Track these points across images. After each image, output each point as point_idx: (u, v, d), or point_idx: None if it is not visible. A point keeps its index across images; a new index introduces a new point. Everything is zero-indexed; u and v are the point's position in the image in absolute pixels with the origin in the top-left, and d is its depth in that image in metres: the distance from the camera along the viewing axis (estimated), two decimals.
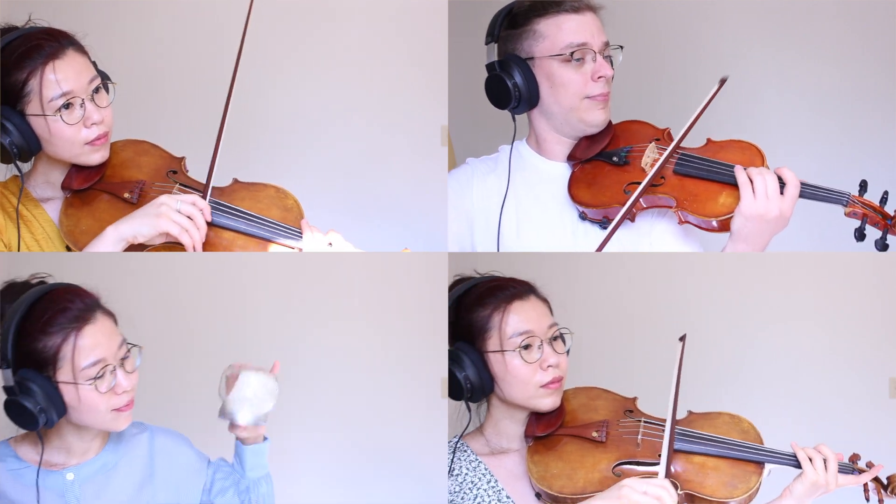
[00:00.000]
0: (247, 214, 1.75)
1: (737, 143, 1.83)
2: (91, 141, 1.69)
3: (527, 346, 1.66)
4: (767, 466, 1.65)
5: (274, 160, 2.47)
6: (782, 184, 1.74)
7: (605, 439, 1.67)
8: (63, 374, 1.52)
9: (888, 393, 2.45)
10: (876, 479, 1.67)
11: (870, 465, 1.68)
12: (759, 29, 2.54)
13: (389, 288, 2.47)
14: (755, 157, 1.80)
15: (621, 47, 1.87)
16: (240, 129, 2.43)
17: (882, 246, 1.75)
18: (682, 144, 1.84)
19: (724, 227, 1.78)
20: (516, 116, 1.90)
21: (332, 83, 2.50)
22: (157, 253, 1.71)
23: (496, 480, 1.69)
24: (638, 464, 1.64)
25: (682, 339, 1.69)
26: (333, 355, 2.46)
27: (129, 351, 1.59)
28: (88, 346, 1.53)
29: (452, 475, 1.69)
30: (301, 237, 1.75)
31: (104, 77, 1.72)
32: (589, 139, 1.89)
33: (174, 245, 1.70)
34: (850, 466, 1.67)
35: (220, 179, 1.78)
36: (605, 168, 1.87)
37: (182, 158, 1.82)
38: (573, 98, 1.84)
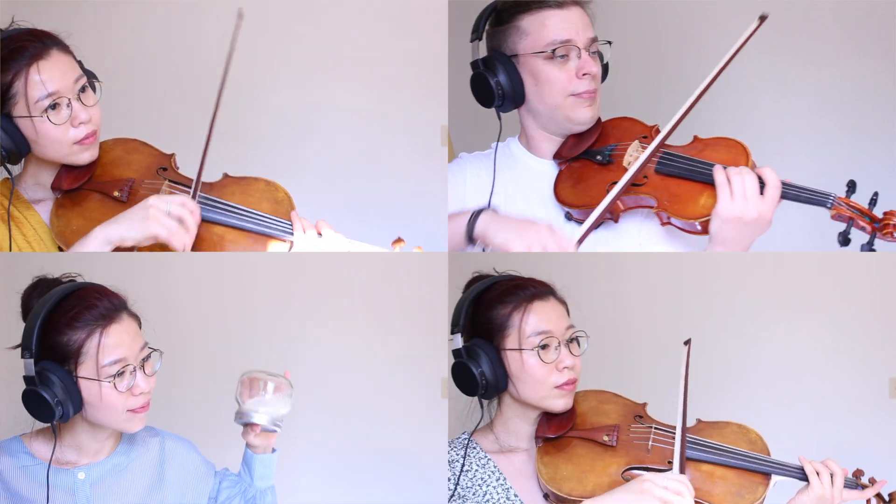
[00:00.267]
0: (236, 209, 1.75)
1: (723, 140, 1.78)
2: (79, 140, 1.69)
3: (544, 346, 1.66)
4: (774, 478, 1.65)
5: (273, 160, 2.47)
6: (763, 184, 1.69)
7: (616, 444, 1.67)
8: (84, 370, 1.53)
9: (889, 393, 2.44)
10: (878, 496, 1.67)
11: (872, 482, 1.68)
12: (760, 30, 2.53)
13: (389, 288, 2.47)
14: (740, 155, 1.74)
15: (609, 43, 1.84)
16: (239, 129, 2.44)
17: (869, 251, 1.68)
18: (669, 142, 1.80)
19: (707, 229, 1.73)
20: (503, 114, 1.88)
21: (332, 83, 2.50)
22: (156, 253, 1.71)
23: (504, 478, 1.68)
24: (647, 469, 1.64)
25: (688, 342, 1.69)
26: (333, 355, 2.46)
27: (150, 354, 1.60)
28: (112, 344, 1.55)
29: (462, 469, 1.69)
30: (291, 229, 1.74)
31: (90, 76, 1.72)
32: (576, 137, 1.87)
33: (165, 247, 1.69)
34: (854, 482, 1.67)
35: (211, 175, 1.77)
36: (590, 167, 1.84)
37: (172, 155, 1.81)
38: (558, 96, 1.81)
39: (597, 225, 1.77)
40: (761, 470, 1.65)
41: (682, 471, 1.60)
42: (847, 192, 1.70)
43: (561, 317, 1.69)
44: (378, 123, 2.49)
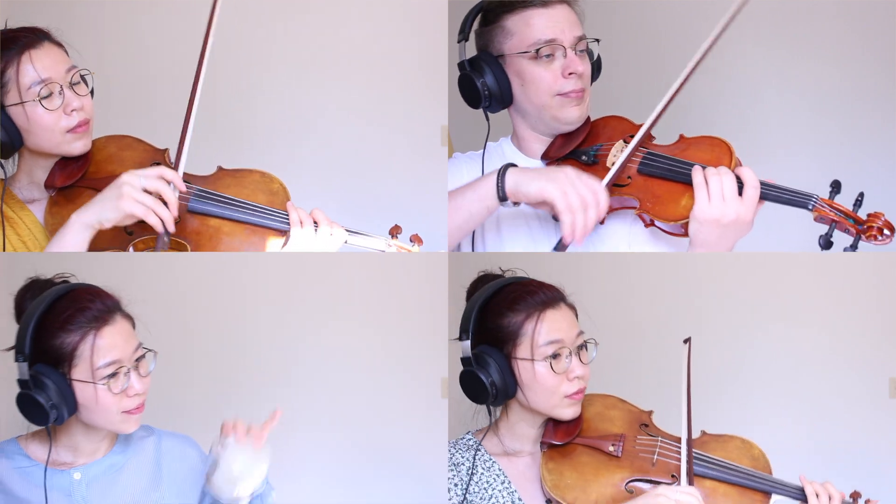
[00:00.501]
0: (232, 200, 1.74)
1: (707, 139, 1.74)
2: (72, 128, 1.69)
3: (555, 356, 1.63)
4: (774, 497, 1.65)
5: (273, 160, 2.46)
6: (742, 185, 1.66)
7: (621, 454, 1.66)
8: (78, 372, 1.53)
9: (888, 393, 2.44)
10: None
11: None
12: (760, 29, 2.54)
13: (389, 288, 2.47)
14: (723, 154, 1.71)
15: (597, 40, 1.83)
16: (237, 129, 2.45)
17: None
18: (655, 142, 1.78)
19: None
20: (498, 114, 1.87)
21: (332, 83, 2.50)
22: (156, 253, 1.70)
23: (509, 482, 1.68)
24: (650, 482, 1.63)
25: (687, 341, 1.68)
26: (333, 355, 2.46)
27: (144, 355, 1.60)
28: (106, 346, 1.54)
29: (467, 472, 1.68)
30: (287, 220, 1.73)
31: (82, 70, 1.72)
32: (564, 137, 1.85)
33: (174, 245, 1.69)
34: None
35: (205, 168, 1.77)
36: (577, 167, 1.80)
37: (165, 150, 1.81)
38: (544, 96, 1.80)
39: (608, 187, 1.74)
40: (762, 489, 1.65)
41: (690, 476, 1.59)
42: (831, 193, 1.66)
43: (571, 325, 1.67)
44: (378, 123, 2.49)
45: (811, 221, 1.67)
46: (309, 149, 2.50)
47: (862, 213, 1.64)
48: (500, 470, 1.68)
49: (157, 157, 1.79)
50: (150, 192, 1.64)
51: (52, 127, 1.68)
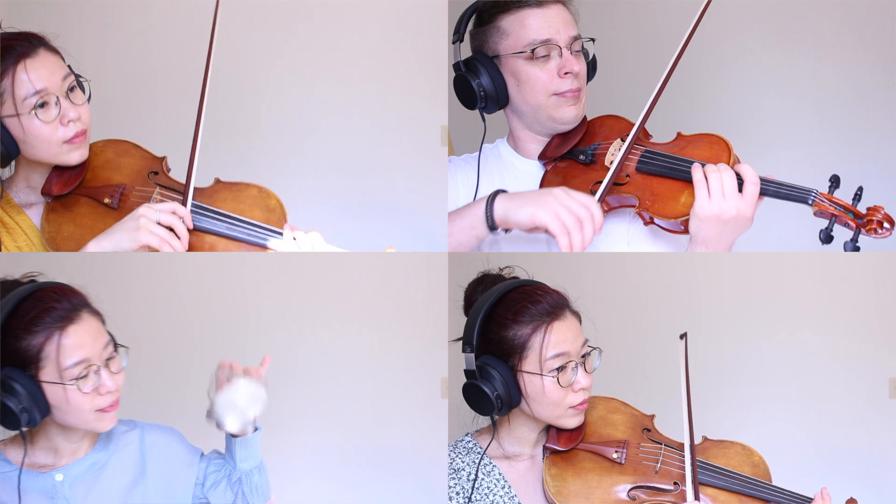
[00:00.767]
0: (228, 217, 1.73)
1: (706, 136, 1.74)
2: (69, 139, 1.68)
3: (561, 368, 1.61)
4: None
5: (273, 160, 2.48)
6: (742, 181, 1.65)
7: (624, 461, 1.65)
8: (46, 374, 1.51)
9: (888, 393, 2.44)
10: None
11: None
12: (759, 29, 2.54)
13: (389, 288, 2.47)
14: (722, 151, 1.70)
15: (593, 40, 1.82)
16: (238, 129, 2.45)
17: (853, 249, 1.62)
18: (653, 140, 1.78)
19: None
20: (495, 115, 1.86)
21: (333, 83, 2.50)
22: (156, 253, 1.70)
23: (510, 486, 1.66)
24: (654, 489, 1.63)
25: (683, 336, 1.67)
26: (333, 355, 2.46)
27: (115, 351, 1.57)
28: (72, 345, 1.51)
29: (468, 478, 1.66)
30: (282, 238, 1.73)
31: (78, 77, 1.70)
32: (561, 137, 1.85)
33: None
34: None
35: (203, 179, 1.76)
36: (575, 167, 1.81)
37: (163, 158, 1.80)
38: (540, 96, 1.79)
39: (601, 201, 1.73)
40: (763, 497, 1.65)
41: (695, 489, 1.59)
42: (830, 187, 1.65)
43: (577, 335, 1.65)
44: (378, 123, 2.49)
45: (811, 217, 1.67)
46: (309, 149, 2.50)
47: (861, 207, 1.64)
48: (500, 474, 1.67)
49: (155, 166, 1.78)
50: (163, 226, 1.67)
51: (49, 138, 1.67)
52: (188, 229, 1.70)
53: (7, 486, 1.57)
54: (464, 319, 1.68)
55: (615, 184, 1.75)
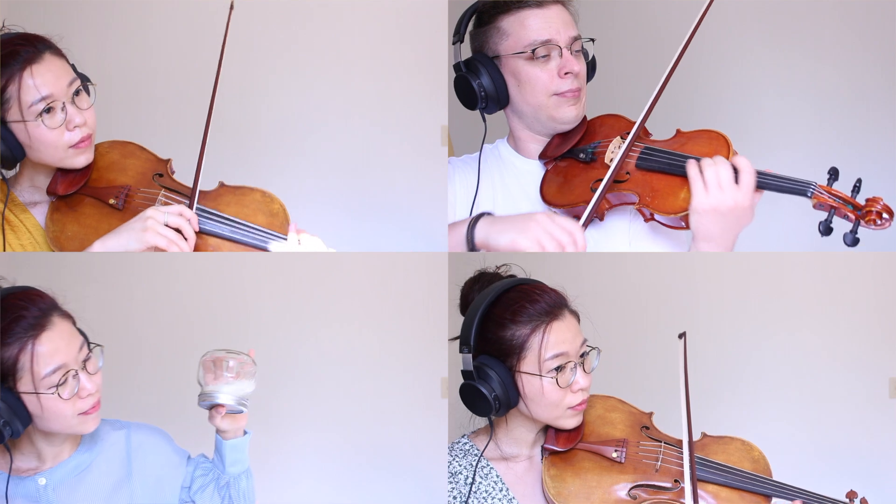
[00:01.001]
0: (232, 221, 1.74)
1: (705, 133, 1.74)
2: (74, 144, 1.68)
3: (559, 368, 1.60)
4: (775, 500, 1.64)
5: (274, 161, 2.48)
6: (738, 173, 1.65)
7: (624, 460, 1.64)
8: (24, 385, 1.48)
9: (888, 393, 2.45)
10: None
11: (864, 503, 1.67)
12: (759, 29, 2.54)
13: (389, 288, 2.47)
14: (721, 146, 1.70)
15: (592, 40, 1.83)
16: (239, 130, 2.45)
17: (852, 241, 1.60)
18: (652, 137, 1.79)
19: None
20: (494, 115, 1.87)
21: (333, 84, 2.50)
22: (156, 253, 1.70)
23: (507, 489, 1.65)
24: (654, 488, 1.62)
25: (682, 336, 1.67)
26: (334, 355, 2.46)
27: (90, 352, 1.55)
28: (47, 353, 1.48)
29: (465, 482, 1.65)
30: (285, 241, 1.73)
31: (84, 79, 1.71)
32: (561, 136, 1.85)
33: None
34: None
35: (207, 182, 1.77)
36: (575, 166, 1.82)
37: (168, 160, 1.80)
38: (541, 96, 1.80)
39: (585, 225, 1.75)
40: (764, 492, 1.64)
41: (694, 492, 1.58)
42: (829, 180, 1.66)
43: (576, 335, 1.64)
44: (378, 124, 2.50)
45: (810, 213, 1.67)
46: (309, 149, 2.50)
47: (860, 199, 1.64)
48: (497, 476, 1.66)
49: (160, 168, 1.79)
50: (171, 227, 1.68)
51: (55, 143, 1.67)
52: (195, 231, 1.70)
53: None
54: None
55: (615, 181, 1.76)
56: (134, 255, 1.71)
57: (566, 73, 1.78)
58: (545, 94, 1.80)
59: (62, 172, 1.73)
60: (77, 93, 1.68)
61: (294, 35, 2.49)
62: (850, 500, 1.65)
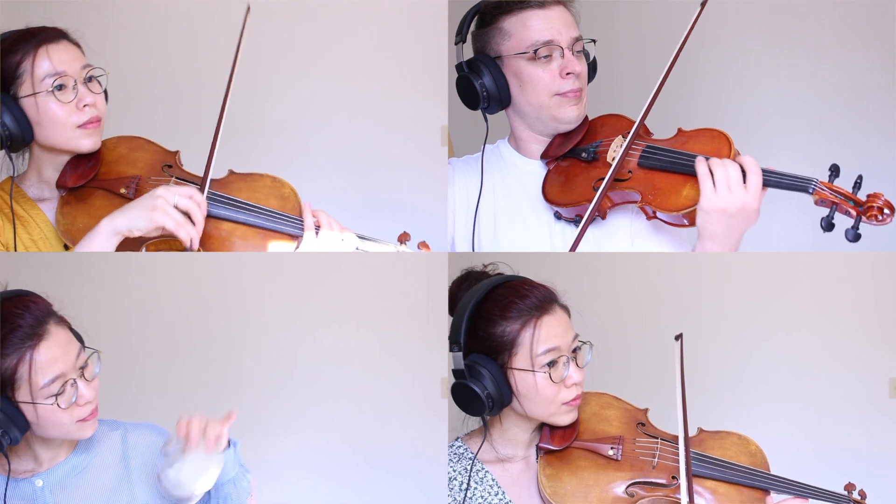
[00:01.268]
0: (245, 204, 1.74)
1: (706, 131, 1.75)
2: (83, 124, 1.69)
3: (552, 363, 1.59)
4: (773, 494, 1.64)
5: (274, 160, 2.47)
6: (745, 173, 1.65)
7: (621, 457, 1.63)
8: (22, 394, 1.47)
9: (888, 393, 2.45)
10: None
11: (862, 495, 1.67)
12: (759, 29, 2.54)
13: (389, 288, 2.47)
14: (723, 145, 1.71)
15: (594, 41, 1.83)
16: (240, 130, 2.44)
17: (854, 236, 1.61)
18: (654, 136, 1.79)
19: (694, 221, 1.70)
20: (494, 116, 1.87)
21: (333, 83, 2.50)
22: (156, 253, 1.70)
23: (504, 493, 1.64)
24: (652, 485, 1.61)
25: (679, 337, 1.66)
26: (333, 355, 2.46)
27: (87, 359, 1.54)
28: (45, 362, 1.48)
29: (460, 488, 1.64)
30: (300, 225, 1.73)
31: (97, 70, 1.72)
32: (563, 136, 1.86)
33: (172, 239, 1.68)
34: (847, 497, 1.66)
35: (216, 171, 1.77)
36: (577, 165, 1.82)
37: (176, 152, 1.81)
38: (542, 96, 1.80)
39: (587, 224, 1.74)
40: (762, 487, 1.64)
41: (689, 485, 1.57)
42: (830, 176, 1.66)
43: (567, 329, 1.63)
44: (379, 123, 2.50)
45: (810, 211, 1.68)
46: (311, 148, 2.50)
47: (861, 195, 1.64)
48: (493, 480, 1.65)
49: (169, 159, 1.79)
50: (180, 210, 1.66)
51: (63, 121, 1.67)
52: (204, 216, 1.69)
53: None
54: None
55: (617, 180, 1.76)
56: (133, 255, 1.71)
57: (568, 74, 1.79)
58: (547, 94, 1.80)
59: (72, 165, 1.74)
60: (90, 79, 1.70)
61: (294, 35, 2.49)
62: (848, 493, 1.65)
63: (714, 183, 1.65)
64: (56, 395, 1.48)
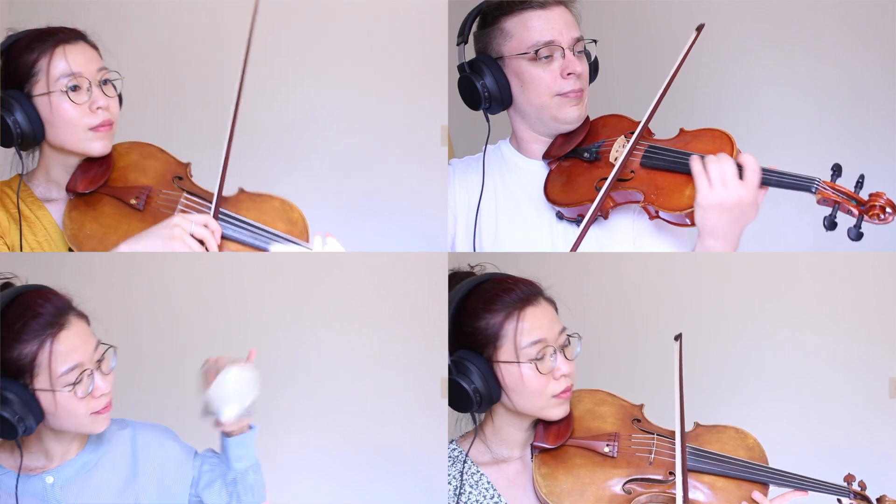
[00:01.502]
0: (253, 226, 1.74)
1: (708, 131, 1.76)
2: (94, 126, 1.69)
3: (540, 356, 1.59)
4: (772, 487, 1.64)
5: (274, 160, 2.48)
6: (742, 170, 1.66)
7: (617, 454, 1.63)
8: (40, 382, 1.50)
9: (888, 393, 2.45)
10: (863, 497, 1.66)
11: (862, 486, 1.67)
12: (759, 29, 2.54)
13: (389, 288, 2.47)
14: (725, 145, 1.72)
15: (595, 41, 1.84)
16: (240, 130, 2.44)
17: (856, 235, 1.63)
18: (655, 136, 1.80)
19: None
20: (495, 116, 1.88)
21: (333, 84, 2.50)
22: (156, 253, 1.70)
23: (499, 495, 1.63)
24: (649, 481, 1.61)
25: (678, 338, 1.66)
26: (333, 355, 2.46)
27: (104, 353, 1.56)
28: (65, 351, 1.50)
29: (455, 492, 1.63)
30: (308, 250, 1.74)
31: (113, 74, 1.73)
32: (564, 136, 1.86)
33: None
34: (846, 488, 1.66)
35: (226, 188, 1.76)
36: (579, 165, 1.83)
37: (188, 164, 1.81)
38: (544, 96, 1.81)
39: (589, 224, 1.75)
40: (761, 480, 1.63)
41: (684, 480, 1.57)
42: (832, 176, 1.67)
43: (553, 321, 1.63)
44: (379, 124, 2.50)
45: (812, 210, 1.70)
46: (311, 149, 2.50)
47: (863, 194, 1.66)
48: (488, 483, 1.64)
49: (180, 171, 1.79)
50: (195, 238, 1.69)
51: (76, 122, 1.68)
52: (218, 244, 1.71)
53: (1, 492, 1.56)
54: None
55: (620, 179, 1.77)
56: (133, 255, 1.71)
57: (569, 74, 1.79)
58: (548, 94, 1.81)
59: (82, 169, 1.73)
60: (105, 82, 1.70)
61: (294, 36, 2.49)
62: (848, 484, 1.65)
63: (709, 179, 1.66)
64: (74, 384, 1.50)
